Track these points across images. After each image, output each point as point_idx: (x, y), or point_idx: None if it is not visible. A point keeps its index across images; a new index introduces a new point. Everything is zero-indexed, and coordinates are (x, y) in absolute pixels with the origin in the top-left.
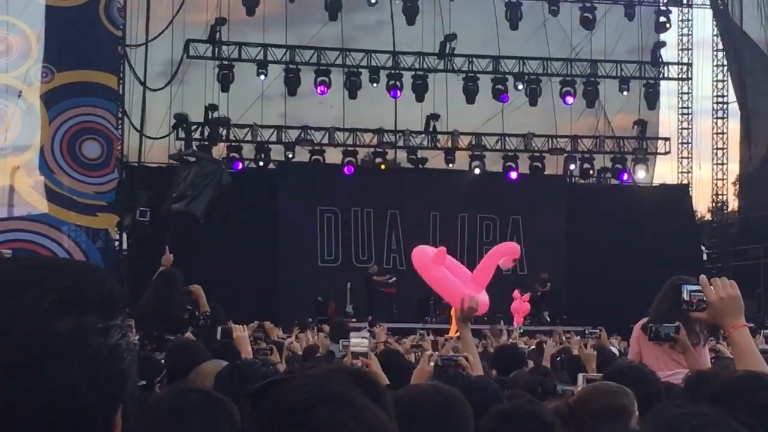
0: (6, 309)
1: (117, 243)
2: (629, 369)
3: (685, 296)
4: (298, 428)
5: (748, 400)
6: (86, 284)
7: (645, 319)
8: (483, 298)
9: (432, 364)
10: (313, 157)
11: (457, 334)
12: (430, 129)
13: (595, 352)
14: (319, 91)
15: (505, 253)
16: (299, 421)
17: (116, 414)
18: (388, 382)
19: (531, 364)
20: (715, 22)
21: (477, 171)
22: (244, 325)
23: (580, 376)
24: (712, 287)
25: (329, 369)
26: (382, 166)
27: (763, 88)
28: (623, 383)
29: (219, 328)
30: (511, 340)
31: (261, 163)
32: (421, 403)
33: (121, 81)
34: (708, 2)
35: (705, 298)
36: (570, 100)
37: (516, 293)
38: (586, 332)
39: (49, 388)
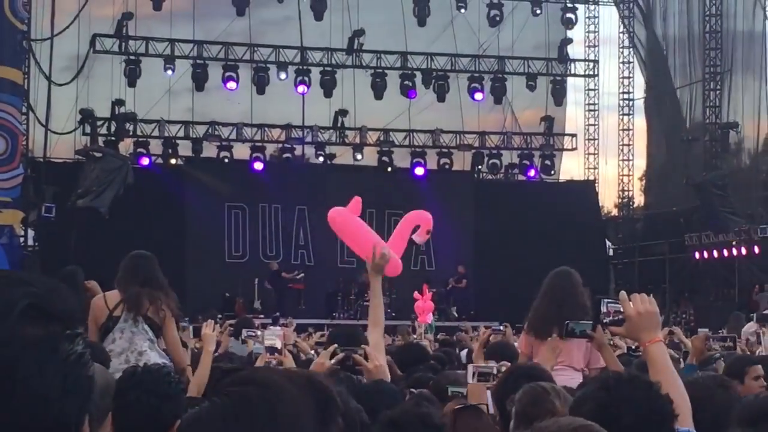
0: None
1: (22, 239)
2: (530, 368)
3: (603, 309)
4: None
5: None
6: (50, 294)
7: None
8: (397, 261)
9: (332, 360)
10: (221, 153)
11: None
12: (339, 125)
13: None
14: (227, 87)
15: (416, 222)
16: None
17: (84, 422)
18: None
19: None
20: (621, 20)
21: (389, 169)
22: (211, 321)
23: (470, 367)
24: (630, 302)
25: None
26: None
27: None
28: (523, 382)
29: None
30: (416, 338)
31: (170, 158)
32: None
33: (26, 76)
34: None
35: (622, 311)
36: (478, 96)
37: (416, 294)
38: (493, 328)
39: (25, 394)
